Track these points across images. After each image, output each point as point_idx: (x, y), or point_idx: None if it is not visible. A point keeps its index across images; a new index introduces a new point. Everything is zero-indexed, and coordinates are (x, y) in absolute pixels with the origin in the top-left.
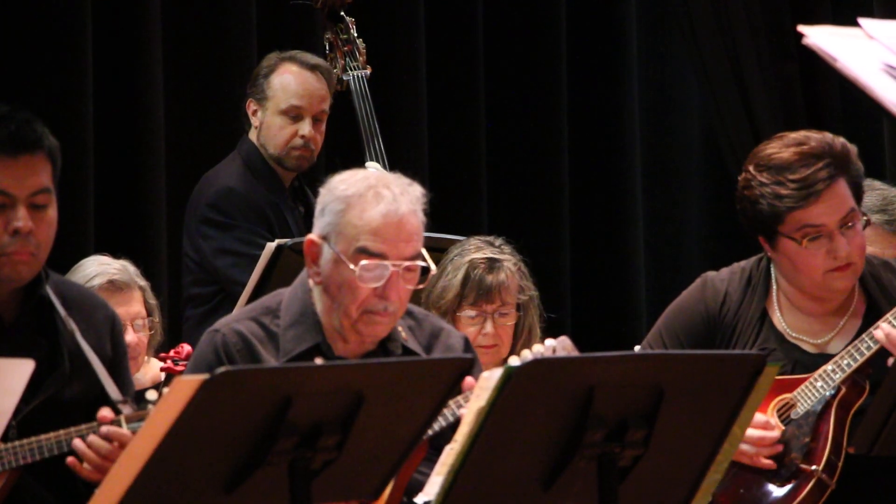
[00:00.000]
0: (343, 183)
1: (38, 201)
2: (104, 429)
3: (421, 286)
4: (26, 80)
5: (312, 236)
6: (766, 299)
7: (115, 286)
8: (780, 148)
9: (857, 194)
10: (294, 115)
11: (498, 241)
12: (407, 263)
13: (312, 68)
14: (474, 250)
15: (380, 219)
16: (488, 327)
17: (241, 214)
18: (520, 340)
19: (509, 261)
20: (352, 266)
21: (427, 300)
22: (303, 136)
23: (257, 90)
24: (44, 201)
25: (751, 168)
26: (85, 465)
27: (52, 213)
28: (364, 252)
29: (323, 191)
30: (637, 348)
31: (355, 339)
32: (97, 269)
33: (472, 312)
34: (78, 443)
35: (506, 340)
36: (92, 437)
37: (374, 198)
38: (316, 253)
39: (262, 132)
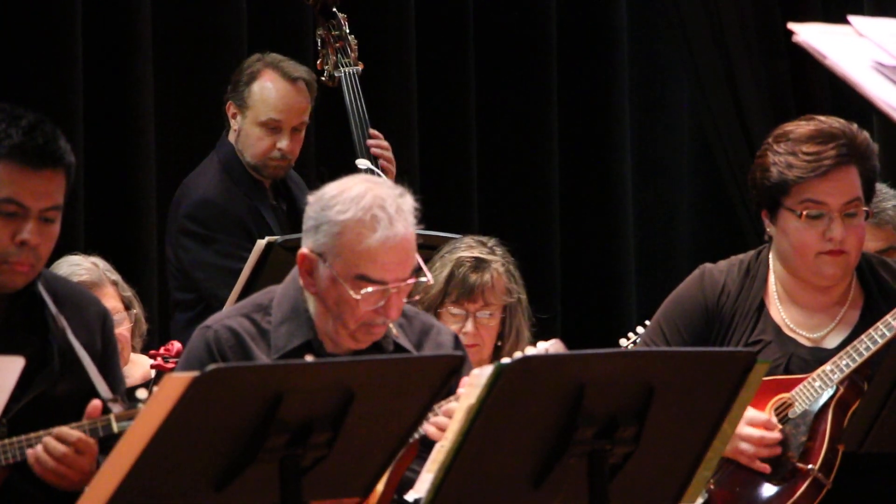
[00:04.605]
0: (337, 203)
1: (48, 216)
2: (55, 430)
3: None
4: (16, 78)
5: (305, 250)
6: (763, 291)
7: (85, 286)
8: (802, 124)
9: (867, 189)
10: (273, 126)
11: (490, 242)
12: (407, 283)
13: (294, 80)
14: (464, 248)
15: (378, 246)
16: (468, 326)
17: (219, 226)
18: (507, 343)
19: (497, 262)
20: (352, 292)
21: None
22: (280, 149)
23: (237, 95)
24: (53, 216)
25: (770, 139)
26: (37, 465)
27: (57, 227)
28: (364, 279)
29: (314, 204)
30: (622, 342)
31: (351, 345)
32: (66, 272)
33: (455, 310)
34: (30, 450)
35: (487, 341)
36: (46, 439)
37: (372, 222)
38: (310, 266)
39: (241, 139)
